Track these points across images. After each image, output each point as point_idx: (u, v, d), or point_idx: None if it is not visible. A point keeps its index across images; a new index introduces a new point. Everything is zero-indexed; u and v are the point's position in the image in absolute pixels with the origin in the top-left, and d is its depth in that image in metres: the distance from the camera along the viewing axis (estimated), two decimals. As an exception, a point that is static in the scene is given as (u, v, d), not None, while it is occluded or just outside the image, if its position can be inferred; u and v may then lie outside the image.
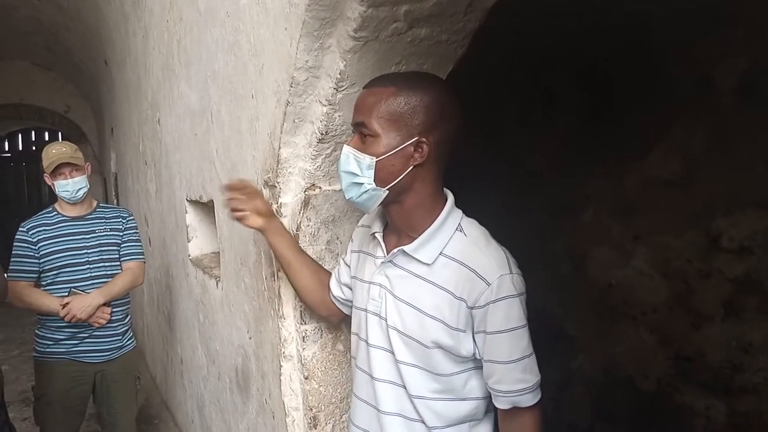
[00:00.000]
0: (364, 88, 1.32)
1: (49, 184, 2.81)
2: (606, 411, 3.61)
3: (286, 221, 1.79)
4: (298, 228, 1.71)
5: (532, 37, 3.16)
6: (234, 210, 1.56)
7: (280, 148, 1.70)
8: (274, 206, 1.80)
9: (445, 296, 1.25)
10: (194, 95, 2.69)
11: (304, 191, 1.71)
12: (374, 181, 1.27)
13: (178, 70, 2.96)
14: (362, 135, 1.27)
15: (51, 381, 2.79)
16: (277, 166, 1.73)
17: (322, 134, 1.61)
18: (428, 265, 1.28)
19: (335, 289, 1.57)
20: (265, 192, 1.85)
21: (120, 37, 4.82)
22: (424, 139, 1.25)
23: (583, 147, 3.62)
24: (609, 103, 3.45)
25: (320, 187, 1.71)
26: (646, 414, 3.37)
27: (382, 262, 1.36)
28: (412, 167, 1.26)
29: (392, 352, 1.32)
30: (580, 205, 3.68)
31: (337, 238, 1.77)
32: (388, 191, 1.28)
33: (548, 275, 3.71)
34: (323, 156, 1.66)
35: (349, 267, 1.53)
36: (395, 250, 1.32)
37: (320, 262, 1.74)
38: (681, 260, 3.15)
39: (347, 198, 1.32)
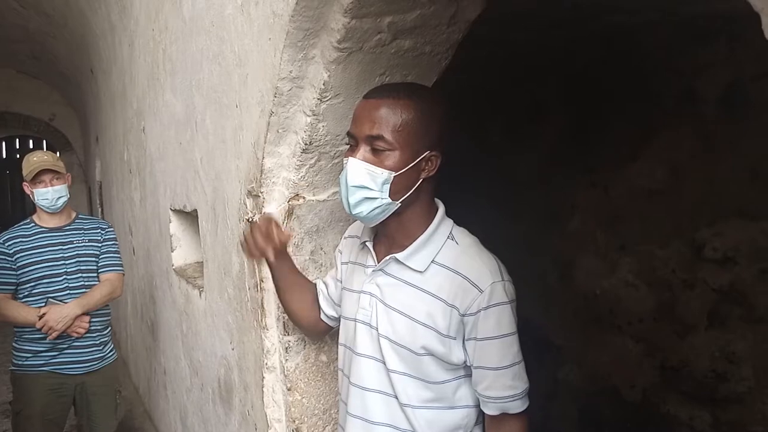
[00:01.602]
0: (367, 98, 1.28)
1: (29, 192, 2.77)
2: (592, 420, 3.61)
3: (269, 231, 1.78)
4: (282, 238, 1.70)
5: (517, 48, 3.18)
6: (252, 247, 1.46)
7: (263, 157, 1.69)
8: (258, 216, 1.79)
9: (437, 304, 1.25)
10: (179, 104, 2.68)
11: (288, 201, 1.70)
12: (389, 195, 1.25)
13: (163, 79, 2.95)
14: (374, 148, 1.23)
15: (31, 394, 2.74)
16: (261, 175, 1.72)
17: (306, 144, 1.60)
18: (420, 272, 1.28)
19: (328, 309, 1.54)
20: (249, 202, 1.84)
21: (106, 46, 4.80)
22: (435, 153, 1.26)
23: (569, 156, 3.63)
24: (594, 113, 3.48)
25: (304, 197, 1.71)
26: (631, 423, 3.37)
27: (373, 271, 1.35)
28: (421, 180, 1.27)
29: (383, 362, 1.31)
30: (567, 214, 3.69)
31: (321, 249, 1.76)
32: (400, 204, 1.27)
33: (535, 284, 3.71)
34: (307, 166, 1.66)
35: (341, 282, 1.50)
36: (387, 258, 1.31)
37: (304, 273, 1.74)
38: (666, 270, 3.16)
39: (353, 213, 1.28)
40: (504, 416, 1.28)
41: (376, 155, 1.23)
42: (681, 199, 3.06)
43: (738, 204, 2.83)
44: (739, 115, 2.79)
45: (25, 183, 2.76)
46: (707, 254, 2.98)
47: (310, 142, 1.60)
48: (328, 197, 1.73)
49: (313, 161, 1.65)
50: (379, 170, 1.23)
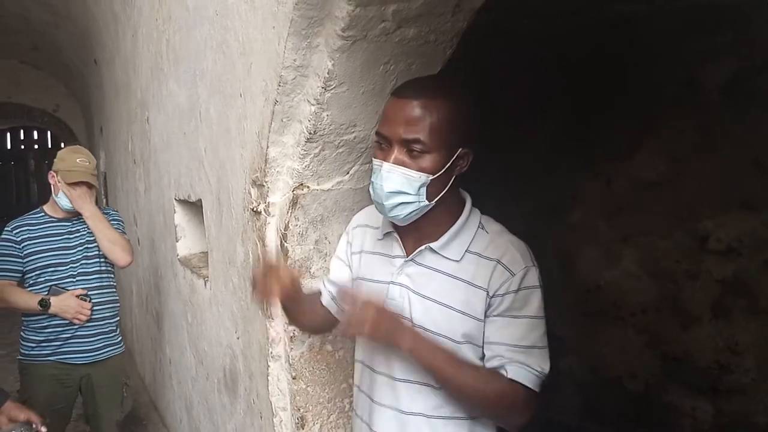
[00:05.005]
0: (400, 97, 1.23)
1: (53, 183, 2.75)
2: (594, 411, 3.62)
3: (274, 221, 1.78)
4: (286, 227, 1.70)
5: (520, 37, 3.17)
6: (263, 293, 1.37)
7: (268, 147, 1.69)
8: (262, 206, 1.79)
9: (474, 291, 1.25)
10: (183, 94, 2.68)
11: (293, 190, 1.70)
12: (426, 197, 1.23)
13: (166, 68, 2.95)
14: (410, 150, 1.21)
15: (36, 385, 2.75)
16: (265, 165, 1.72)
17: (310, 133, 1.60)
18: (456, 261, 1.28)
19: (328, 298, 1.50)
20: (253, 191, 1.84)
21: (109, 36, 4.79)
22: (467, 149, 1.25)
23: (571, 148, 3.63)
24: (597, 104, 3.47)
25: (308, 187, 1.71)
26: (634, 414, 3.38)
27: (405, 261, 1.33)
28: (454, 177, 1.26)
29: None
30: (569, 205, 3.69)
31: (326, 238, 1.76)
32: (434, 203, 1.25)
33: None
34: (311, 155, 1.66)
35: (350, 268, 1.47)
36: (422, 248, 1.30)
37: (308, 262, 1.74)
38: (669, 261, 3.16)
39: (389, 216, 1.26)
40: (513, 382, 1.21)
41: (411, 157, 1.21)
42: (683, 191, 3.06)
43: (741, 195, 2.83)
44: (742, 105, 2.79)
45: (53, 172, 2.73)
46: (711, 245, 2.98)
47: (314, 132, 1.59)
48: (332, 186, 1.73)
49: (317, 150, 1.65)
50: (416, 174, 1.21)
